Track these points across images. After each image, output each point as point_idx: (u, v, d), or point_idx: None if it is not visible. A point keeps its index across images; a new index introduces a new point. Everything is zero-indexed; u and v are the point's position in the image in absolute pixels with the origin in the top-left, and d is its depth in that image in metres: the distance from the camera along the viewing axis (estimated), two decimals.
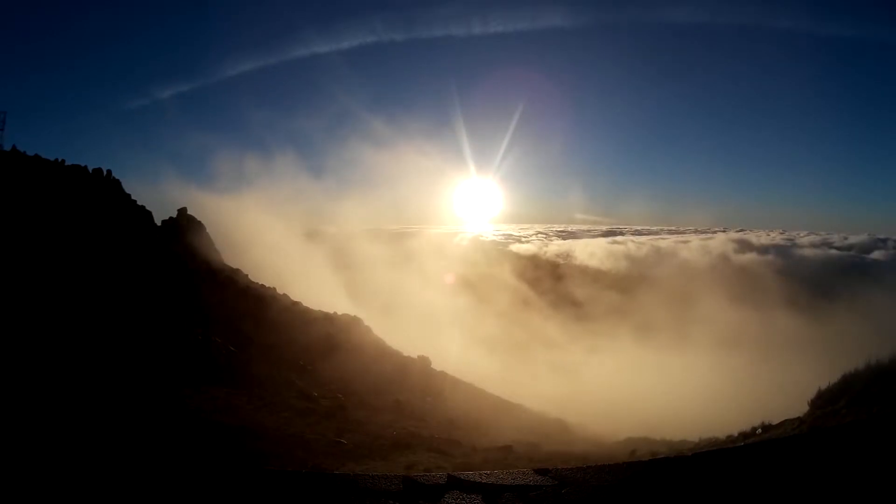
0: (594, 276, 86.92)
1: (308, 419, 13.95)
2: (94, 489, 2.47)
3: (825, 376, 10.72)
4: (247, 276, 27.30)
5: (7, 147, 26.34)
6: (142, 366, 13.85)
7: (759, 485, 2.83)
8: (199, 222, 30.30)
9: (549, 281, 79.56)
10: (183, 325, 18.57)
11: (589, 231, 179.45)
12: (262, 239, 44.93)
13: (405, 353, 25.50)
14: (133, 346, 15.02)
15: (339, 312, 27.04)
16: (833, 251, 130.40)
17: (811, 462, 3.18)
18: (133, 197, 27.68)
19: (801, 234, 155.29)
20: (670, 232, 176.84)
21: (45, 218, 21.38)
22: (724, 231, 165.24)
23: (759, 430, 10.54)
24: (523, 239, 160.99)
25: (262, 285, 26.69)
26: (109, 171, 27.68)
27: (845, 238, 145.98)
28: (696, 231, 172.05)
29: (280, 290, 26.91)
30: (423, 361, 25.11)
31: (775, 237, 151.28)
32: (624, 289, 77.88)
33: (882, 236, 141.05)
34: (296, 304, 26.36)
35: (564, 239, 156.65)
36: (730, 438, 11.05)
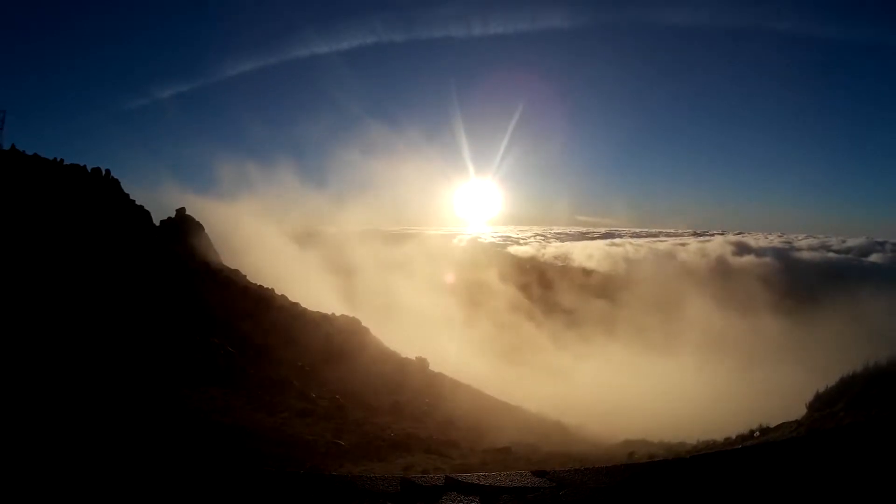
0: (591, 279, 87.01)
1: (306, 420, 13.92)
2: (93, 489, 2.47)
3: (823, 379, 10.75)
4: (245, 276, 27.28)
5: (6, 146, 26.34)
6: (140, 365, 13.80)
7: (758, 487, 2.84)
8: (198, 223, 30.28)
9: (545, 284, 79.59)
10: (181, 325, 18.53)
11: (587, 233, 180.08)
12: (261, 241, 44.95)
13: (404, 355, 25.46)
14: (131, 345, 14.98)
15: (338, 314, 27.00)
16: (831, 254, 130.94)
17: (809, 464, 3.19)
18: (131, 197, 27.70)
19: (800, 237, 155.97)
20: (668, 234, 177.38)
21: (44, 217, 21.35)
22: (722, 233, 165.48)
23: (757, 433, 10.55)
24: (521, 241, 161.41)
25: (262, 286, 26.63)
26: (108, 171, 27.66)
27: (843, 241, 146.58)
28: (694, 233, 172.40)
29: (279, 292, 26.88)
30: (422, 363, 25.07)
31: (773, 240, 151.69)
32: (621, 292, 77.96)
33: (880, 239, 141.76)
34: (295, 305, 26.30)
35: (563, 241, 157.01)
36: (728, 441, 11.06)
